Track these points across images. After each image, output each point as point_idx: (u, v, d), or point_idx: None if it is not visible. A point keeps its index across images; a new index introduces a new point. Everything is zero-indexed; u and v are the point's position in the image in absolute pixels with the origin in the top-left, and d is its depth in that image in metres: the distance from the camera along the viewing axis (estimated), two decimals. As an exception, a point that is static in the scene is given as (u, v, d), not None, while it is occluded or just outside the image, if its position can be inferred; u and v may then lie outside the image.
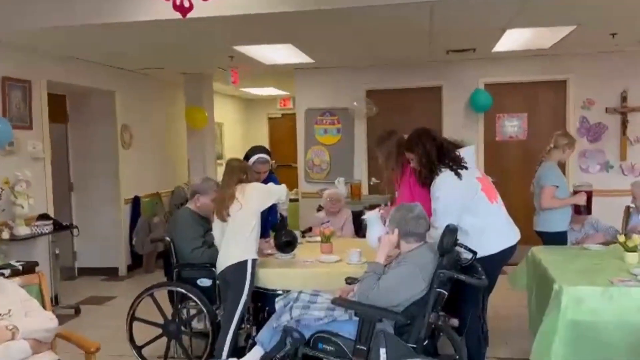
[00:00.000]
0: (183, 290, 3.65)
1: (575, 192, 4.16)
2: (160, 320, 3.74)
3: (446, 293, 2.63)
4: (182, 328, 3.71)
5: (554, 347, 2.85)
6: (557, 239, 4.10)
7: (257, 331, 3.67)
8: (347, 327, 2.74)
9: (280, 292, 3.40)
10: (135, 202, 6.75)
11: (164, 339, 3.72)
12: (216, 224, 3.53)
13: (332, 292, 3.06)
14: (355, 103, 6.50)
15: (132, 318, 3.75)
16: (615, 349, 2.82)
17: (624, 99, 6.18)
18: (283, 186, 3.66)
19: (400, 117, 6.64)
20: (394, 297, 2.64)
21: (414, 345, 2.60)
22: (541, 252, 3.68)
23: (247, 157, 4.08)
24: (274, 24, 4.36)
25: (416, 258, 2.70)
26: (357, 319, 2.67)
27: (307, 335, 2.79)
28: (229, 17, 3.99)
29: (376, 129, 6.69)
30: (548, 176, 4.15)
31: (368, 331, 2.61)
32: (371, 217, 3.59)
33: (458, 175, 3.08)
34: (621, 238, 3.40)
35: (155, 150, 7.42)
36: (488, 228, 3.06)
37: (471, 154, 3.29)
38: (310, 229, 5.01)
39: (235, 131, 10.38)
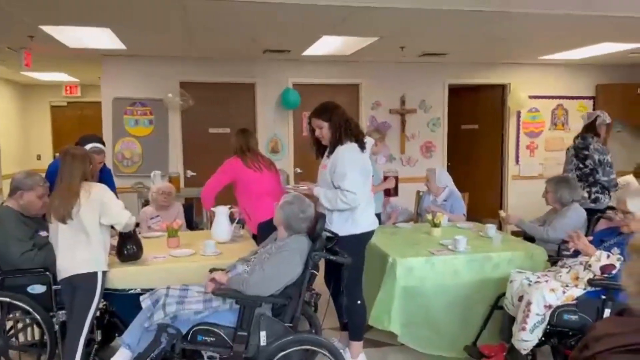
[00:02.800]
0: (8, 299, 3.24)
1: (385, 178, 4.85)
2: (-20, 337, 3.26)
3: (317, 273, 2.92)
4: (10, 342, 3.32)
5: (393, 311, 3.39)
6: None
7: (102, 335, 3.47)
8: (227, 316, 2.79)
9: (133, 291, 3.27)
10: None
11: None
12: (54, 224, 3.20)
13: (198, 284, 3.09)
14: (169, 94, 6.35)
15: (-60, 339, 3.19)
16: (436, 307, 3.50)
17: (403, 102, 7.33)
18: (128, 214, 3.24)
19: (216, 110, 6.77)
20: (277, 282, 2.79)
21: (290, 324, 2.83)
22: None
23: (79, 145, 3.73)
24: (89, 4, 4.04)
25: (295, 244, 2.89)
26: (237, 307, 2.76)
27: (184, 330, 2.77)
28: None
29: (191, 121, 6.69)
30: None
31: (249, 317, 2.73)
32: (220, 212, 3.74)
33: (361, 148, 3.33)
34: (429, 216, 4.16)
35: None
36: (365, 209, 3.36)
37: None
38: (137, 225, 4.79)
39: (10, 120, 9.04)
